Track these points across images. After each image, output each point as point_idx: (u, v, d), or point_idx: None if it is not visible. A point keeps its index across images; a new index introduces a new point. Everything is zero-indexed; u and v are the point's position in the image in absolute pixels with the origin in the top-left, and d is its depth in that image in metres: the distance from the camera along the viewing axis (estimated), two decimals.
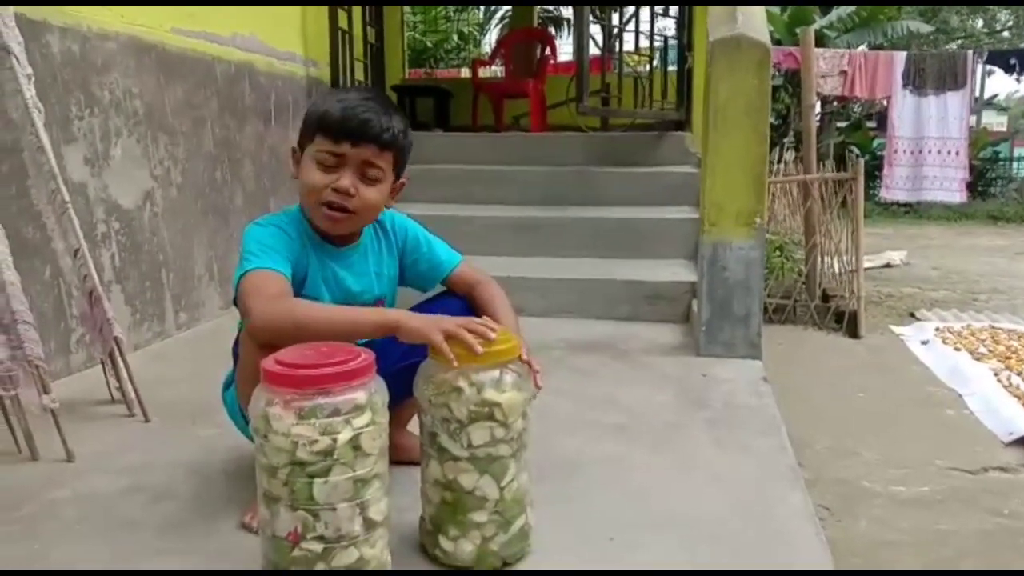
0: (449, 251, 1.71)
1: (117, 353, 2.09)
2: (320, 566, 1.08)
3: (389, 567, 1.18)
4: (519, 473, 1.32)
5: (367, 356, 1.13)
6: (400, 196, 1.58)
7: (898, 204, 10.25)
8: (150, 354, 2.66)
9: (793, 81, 9.79)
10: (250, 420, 1.10)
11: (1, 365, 1.78)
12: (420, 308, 1.61)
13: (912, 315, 4.77)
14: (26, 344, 1.81)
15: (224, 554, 1.36)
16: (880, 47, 10.37)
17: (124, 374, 2.10)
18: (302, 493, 1.06)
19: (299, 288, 1.48)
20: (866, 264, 4.70)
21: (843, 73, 8.27)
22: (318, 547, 1.07)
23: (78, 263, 2.09)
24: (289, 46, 3.86)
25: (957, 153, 7.79)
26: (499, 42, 9.36)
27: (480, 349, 1.23)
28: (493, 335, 1.26)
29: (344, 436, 1.06)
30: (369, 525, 1.11)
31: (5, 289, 1.79)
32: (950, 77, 7.64)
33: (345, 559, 1.08)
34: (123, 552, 1.38)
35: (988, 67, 9.73)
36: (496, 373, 1.27)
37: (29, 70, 2.03)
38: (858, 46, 10.59)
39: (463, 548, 1.30)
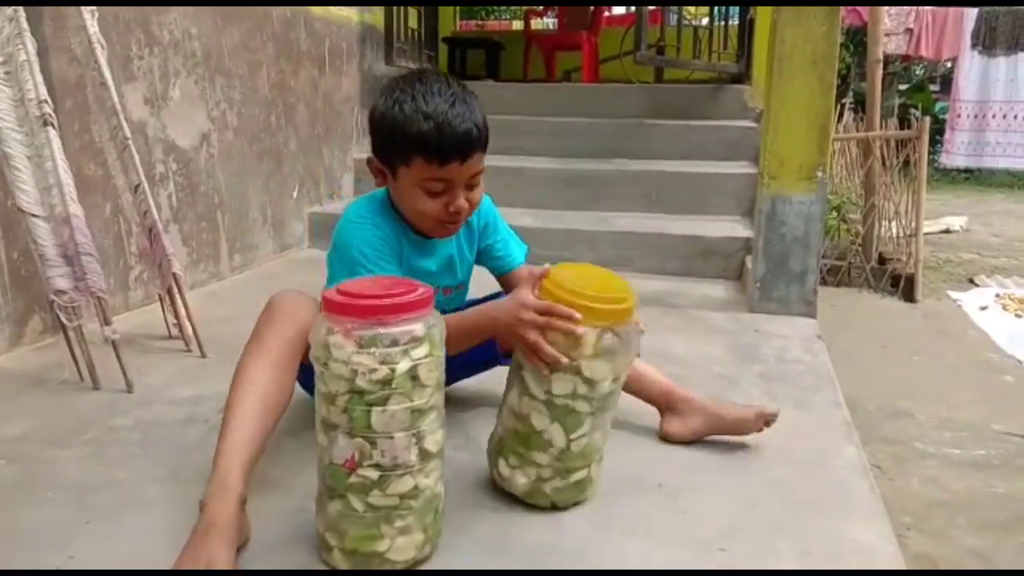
0: (519, 246, 1.69)
1: (175, 289, 2.13)
2: (375, 493, 1.09)
3: (443, 499, 1.19)
4: (593, 431, 1.29)
5: (425, 289, 1.12)
6: None
7: (958, 170, 9.91)
8: (205, 294, 2.71)
9: (855, 39, 9.45)
10: (310, 348, 1.11)
11: (65, 296, 1.83)
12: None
13: (971, 281, 4.64)
14: (89, 276, 1.85)
15: (277, 484, 1.39)
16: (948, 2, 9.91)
17: (182, 310, 2.14)
18: (360, 421, 1.07)
19: None
20: (925, 229, 4.57)
21: (908, 31, 7.96)
22: (374, 474, 1.08)
23: (138, 199, 2.12)
24: None
25: None
26: None
27: (580, 330, 1.20)
28: (580, 325, 1.21)
29: (402, 366, 1.06)
30: (424, 455, 1.11)
31: (70, 221, 1.83)
32: (1023, 35, 7.29)
33: (400, 487, 1.09)
34: (182, 476, 1.42)
35: None
36: (594, 334, 1.23)
37: (93, 4, 2.04)
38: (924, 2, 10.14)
39: (517, 479, 1.31)
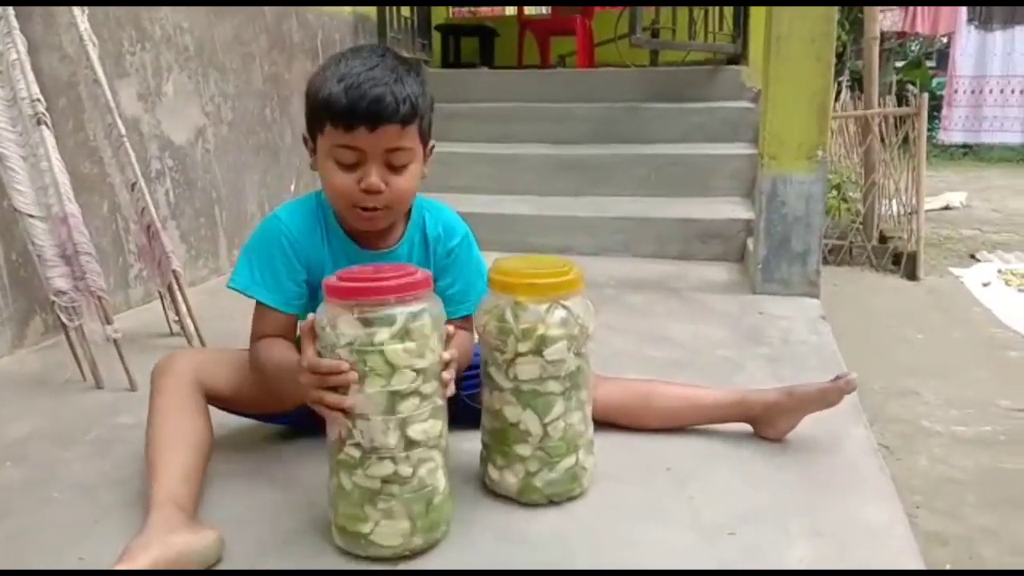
0: (476, 296, 1.37)
1: (175, 286, 2.12)
2: (358, 472, 1.10)
3: (441, 492, 1.16)
4: (568, 413, 1.27)
5: (417, 274, 1.11)
6: (431, 160, 1.37)
7: (957, 146, 9.90)
8: (205, 290, 2.70)
9: (849, 17, 9.40)
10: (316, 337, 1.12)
11: (65, 296, 1.82)
12: None
13: (973, 257, 4.63)
14: (88, 275, 1.84)
15: (286, 476, 1.39)
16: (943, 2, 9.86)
17: (183, 307, 2.13)
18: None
19: (314, 294, 1.36)
20: (925, 206, 4.55)
21: (904, 7, 7.92)
22: (356, 453, 1.10)
23: (135, 197, 2.11)
24: None
25: (1022, 92, 7.45)
26: None
27: (353, 375, 1.07)
28: (344, 376, 1.07)
29: (378, 347, 1.07)
30: (409, 443, 1.10)
31: (67, 221, 1.81)
32: (1021, 8, 7.25)
33: (380, 470, 1.09)
34: None
35: None
36: (543, 308, 1.22)
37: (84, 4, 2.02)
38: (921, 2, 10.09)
39: (507, 479, 1.29)
